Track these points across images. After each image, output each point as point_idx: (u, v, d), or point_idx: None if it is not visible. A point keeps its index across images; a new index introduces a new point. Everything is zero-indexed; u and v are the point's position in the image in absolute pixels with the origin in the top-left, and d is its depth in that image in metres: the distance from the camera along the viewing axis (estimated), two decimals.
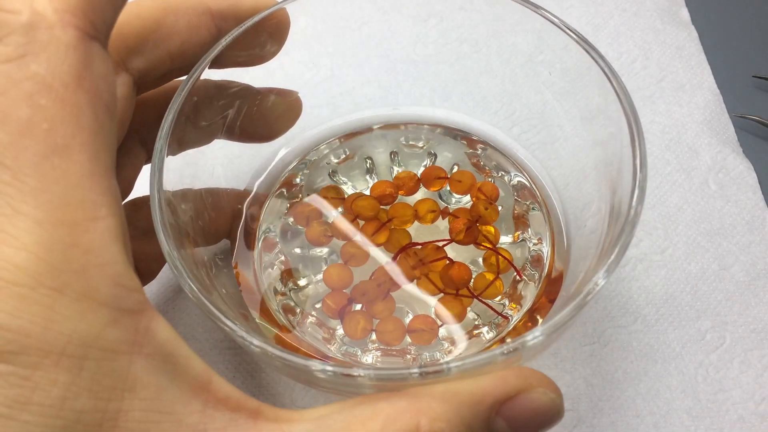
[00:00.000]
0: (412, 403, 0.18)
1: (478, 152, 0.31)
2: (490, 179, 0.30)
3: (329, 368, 0.19)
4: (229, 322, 0.20)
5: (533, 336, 0.19)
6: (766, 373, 0.28)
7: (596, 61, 0.24)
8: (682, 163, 0.33)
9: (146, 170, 0.25)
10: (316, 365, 0.19)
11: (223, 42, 0.24)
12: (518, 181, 0.30)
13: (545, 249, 0.28)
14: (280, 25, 0.26)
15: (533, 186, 0.30)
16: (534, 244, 0.28)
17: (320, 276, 0.28)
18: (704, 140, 0.34)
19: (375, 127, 0.32)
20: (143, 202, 0.26)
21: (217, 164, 0.28)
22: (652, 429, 0.27)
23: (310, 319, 0.27)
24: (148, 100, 0.25)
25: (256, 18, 0.25)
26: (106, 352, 0.16)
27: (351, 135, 0.31)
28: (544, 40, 0.27)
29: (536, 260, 0.28)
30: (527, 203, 0.29)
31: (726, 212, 0.32)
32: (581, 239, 0.27)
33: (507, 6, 0.27)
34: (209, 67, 0.24)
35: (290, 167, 0.31)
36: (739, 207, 0.32)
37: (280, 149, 0.31)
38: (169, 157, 0.22)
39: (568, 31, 0.25)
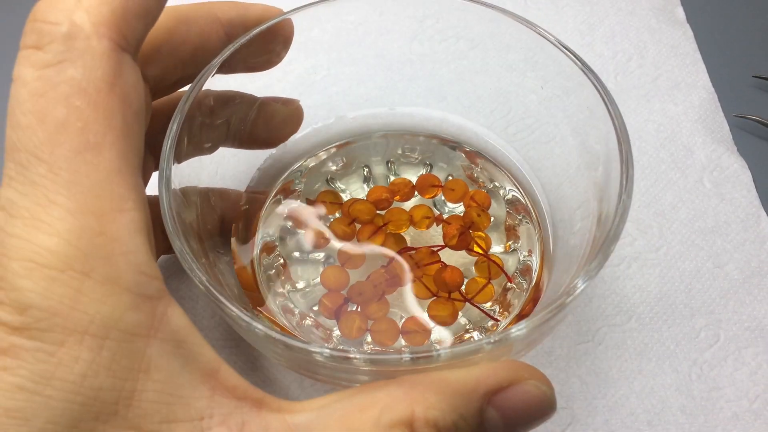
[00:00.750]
0: (408, 392, 0.18)
1: (474, 165, 0.31)
2: (483, 189, 0.30)
3: (327, 351, 0.20)
4: (234, 308, 0.20)
5: (517, 329, 0.20)
6: (760, 370, 0.28)
7: (588, 77, 0.25)
8: (676, 161, 0.33)
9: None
10: (315, 348, 0.20)
11: (229, 49, 0.25)
12: (512, 196, 0.30)
13: (535, 260, 0.28)
14: (284, 33, 0.27)
15: (527, 201, 0.30)
16: (524, 256, 0.29)
17: (317, 279, 0.28)
18: (699, 139, 0.34)
19: (373, 135, 0.32)
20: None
21: (219, 165, 0.28)
22: (647, 427, 0.27)
23: (308, 320, 0.27)
24: (156, 108, 0.26)
25: (263, 27, 0.26)
26: (125, 334, 0.17)
27: (349, 143, 0.32)
28: (535, 52, 0.27)
29: (526, 270, 0.28)
30: (519, 217, 0.30)
31: (720, 210, 0.32)
32: (569, 246, 0.27)
33: (501, 22, 0.27)
34: (216, 72, 0.25)
35: (288, 172, 0.31)
36: (733, 205, 0.32)
37: (280, 153, 0.31)
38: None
39: (559, 45, 0.26)
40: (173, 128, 0.23)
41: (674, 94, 0.35)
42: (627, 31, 0.37)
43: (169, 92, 0.25)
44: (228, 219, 0.29)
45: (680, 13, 0.38)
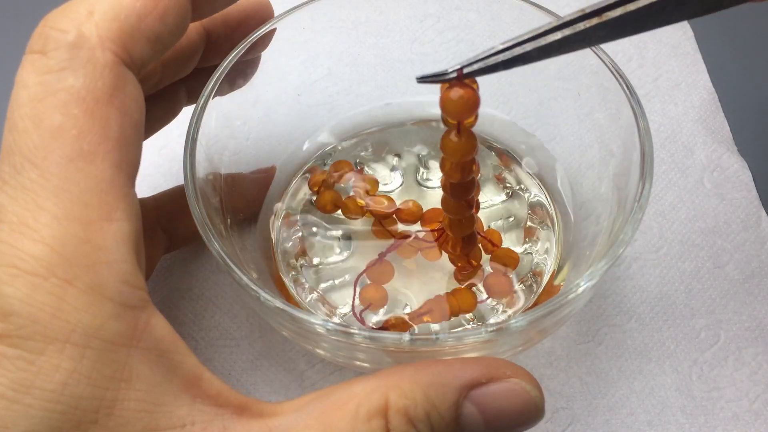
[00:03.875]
0: (383, 382, 0.18)
1: (504, 167, 0.31)
2: (507, 191, 0.31)
3: (330, 325, 0.20)
4: (244, 278, 0.21)
5: (516, 320, 0.20)
6: (760, 370, 0.28)
7: (604, 63, 0.25)
8: (677, 161, 0.33)
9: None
10: (318, 320, 0.20)
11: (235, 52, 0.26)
12: (537, 200, 0.30)
13: (549, 264, 0.29)
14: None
15: (552, 207, 0.30)
16: (539, 258, 0.29)
17: (332, 258, 0.29)
18: (699, 139, 0.34)
19: (407, 123, 0.32)
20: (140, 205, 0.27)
21: (246, 146, 0.29)
22: (647, 427, 0.27)
23: (315, 295, 0.28)
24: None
25: (270, 26, 0.26)
26: (106, 343, 0.17)
27: (383, 129, 0.32)
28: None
29: (538, 273, 0.28)
30: (539, 221, 0.30)
31: (721, 210, 0.32)
32: (580, 249, 0.27)
33: (504, 4, 0.27)
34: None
35: (319, 153, 0.32)
36: (733, 205, 0.32)
37: (310, 135, 0.32)
38: (198, 143, 0.24)
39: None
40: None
41: (674, 94, 0.35)
42: None
43: (151, 91, 0.26)
44: (251, 199, 0.29)
45: None
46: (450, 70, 0.20)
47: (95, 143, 0.18)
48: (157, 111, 0.26)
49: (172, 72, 0.25)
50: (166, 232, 0.28)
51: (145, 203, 0.27)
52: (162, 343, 0.18)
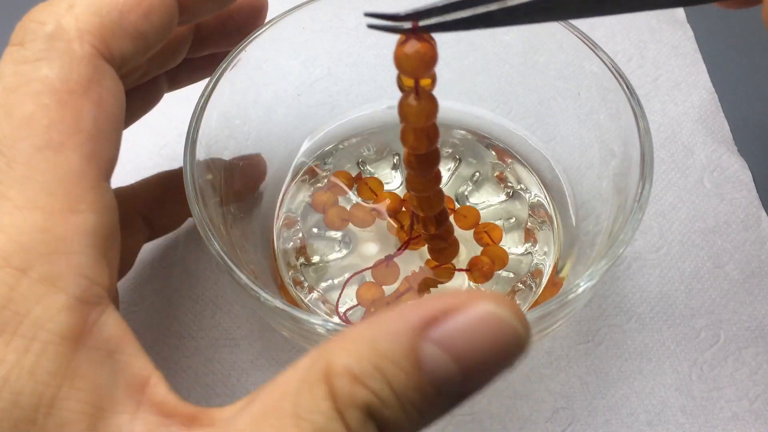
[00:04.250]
0: (325, 347, 0.16)
1: (504, 165, 0.31)
2: (507, 191, 0.31)
3: (330, 325, 0.20)
4: (244, 278, 0.21)
5: None
6: (760, 370, 0.28)
7: (599, 58, 0.25)
8: (677, 161, 0.33)
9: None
10: (317, 320, 0.21)
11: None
12: (537, 200, 0.30)
13: (548, 264, 0.29)
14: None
15: (552, 207, 0.30)
16: (539, 258, 0.29)
17: (332, 256, 0.29)
18: (699, 139, 0.34)
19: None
20: (119, 194, 0.27)
21: (246, 146, 0.29)
22: (647, 427, 0.27)
23: (315, 294, 0.28)
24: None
25: (270, 25, 0.26)
26: (53, 336, 0.16)
27: (382, 129, 0.32)
28: (541, 39, 0.27)
29: (537, 273, 0.29)
30: (540, 221, 0.30)
31: (721, 210, 0.32)
32: (580, 249, 0.27)
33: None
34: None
35: (318, 153, 0.32)
36: (733, 205, 0.32)
37: (310, 135, 0.32)
38: (198, 143, 0.24)
39: (571, 30, 0.26)
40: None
41: (674, 94, 0.35)
42: (627, 30, 0.37)
43: (138, 83, 0.25)
44: (254, 184, 0.29)
45: (680, 12, 0.38)
46: (403, 15, 0.19)
47: (66, 134, 0.18)
48: (137, 100, 0.26)
49: (159, 64, 0.25)
50: (146, 220, 0.27)
51: (122, 192, 0.27)
52: (110, 343, 0.17)
